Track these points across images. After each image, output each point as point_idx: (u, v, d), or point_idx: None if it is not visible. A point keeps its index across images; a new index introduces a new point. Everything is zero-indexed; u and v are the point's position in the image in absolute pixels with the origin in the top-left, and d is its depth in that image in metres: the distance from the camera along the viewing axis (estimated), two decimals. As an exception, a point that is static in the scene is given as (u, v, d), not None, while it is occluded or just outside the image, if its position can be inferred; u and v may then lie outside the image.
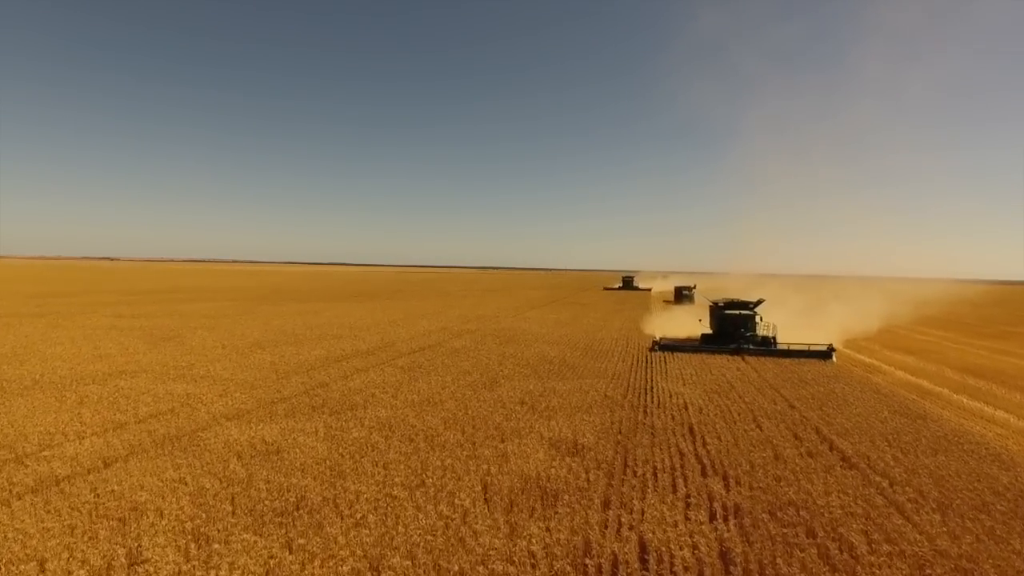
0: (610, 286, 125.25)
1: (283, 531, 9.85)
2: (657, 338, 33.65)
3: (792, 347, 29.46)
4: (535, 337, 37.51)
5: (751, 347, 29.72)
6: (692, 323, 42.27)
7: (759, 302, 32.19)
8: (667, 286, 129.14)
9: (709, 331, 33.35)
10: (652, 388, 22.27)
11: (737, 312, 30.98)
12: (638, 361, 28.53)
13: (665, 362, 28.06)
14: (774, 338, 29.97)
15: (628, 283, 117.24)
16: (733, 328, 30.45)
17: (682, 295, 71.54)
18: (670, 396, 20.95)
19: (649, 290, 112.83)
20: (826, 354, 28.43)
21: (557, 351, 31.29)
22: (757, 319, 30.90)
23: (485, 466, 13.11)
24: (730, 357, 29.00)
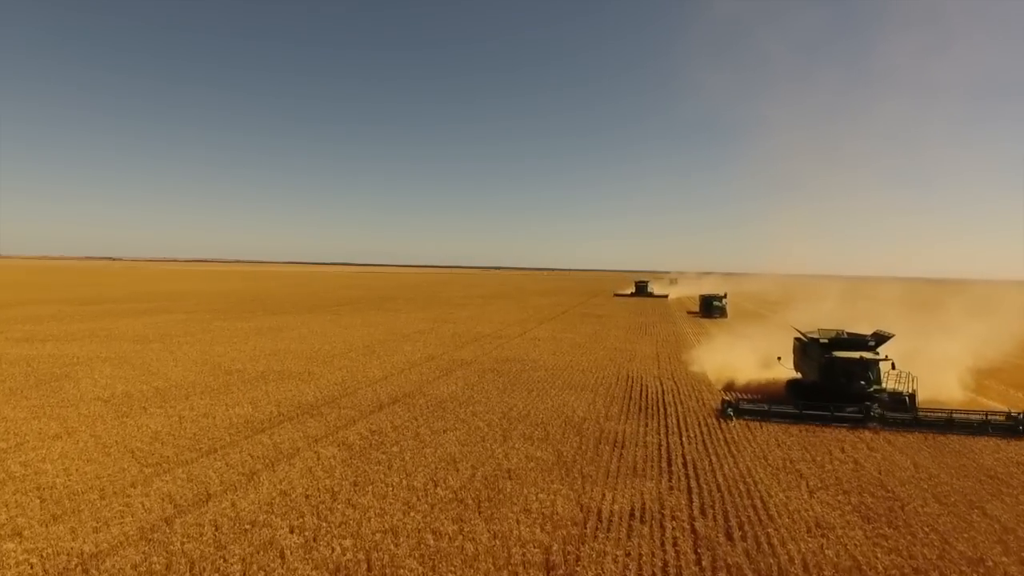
0: (621, 292, 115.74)
1: None
2: (727, 397, 22.30)
3: (957, 415, 18.93)
4: (550, 373, 28.31)
5: (881, 413, 19.12)
6: (743, 353, 33.01)
7: (881, 338, 21.43)
8: (685, 291, 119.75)
9: (797, 376, 23.81)
10: (765, 505, 13.01)
11: (856, 356, 20.60)
12: (709, 430, 19.21)
13: (751, 435, 18.67)
14: (912, 396, 19.94)
15: (642, 289, 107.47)
16: (847, 379, 20.31)
17: (712, 307, 61.68)
18: (808, 530, 11.71)
19: (666, 297, 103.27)
20: (1014, 428, 18.39)
21: (585, 404, 22.09)
22: (884, 365, 20.75)
23: None
24: (845, 427, 18.93)
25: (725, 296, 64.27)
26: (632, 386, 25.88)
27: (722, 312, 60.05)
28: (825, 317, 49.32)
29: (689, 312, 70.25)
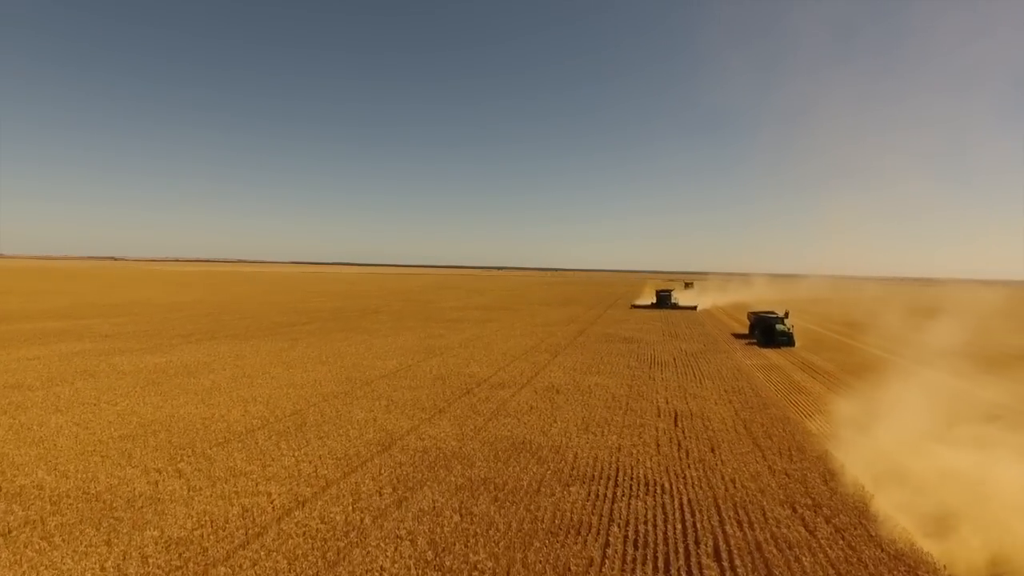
0: (640, 302, 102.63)
1: None
2: None
3: None
4: (591, 494, 15.66)
5: None
6: (915, 444, 20.50)
7: None
8: (710, 299, 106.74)
9: None
10: None
11: None
12: None
13: None
14: None
15: (664, 300, 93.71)
16: None
17: (774, 332, 47.79)
18: None
19: (694, 308, 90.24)
20: None
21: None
22: None
23: None
24: None
25: (787, 316, 51.21)
26: (766, 557, 13.09)
27: (789, 340, 46.88)
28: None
29: (735, 335, 57.27)
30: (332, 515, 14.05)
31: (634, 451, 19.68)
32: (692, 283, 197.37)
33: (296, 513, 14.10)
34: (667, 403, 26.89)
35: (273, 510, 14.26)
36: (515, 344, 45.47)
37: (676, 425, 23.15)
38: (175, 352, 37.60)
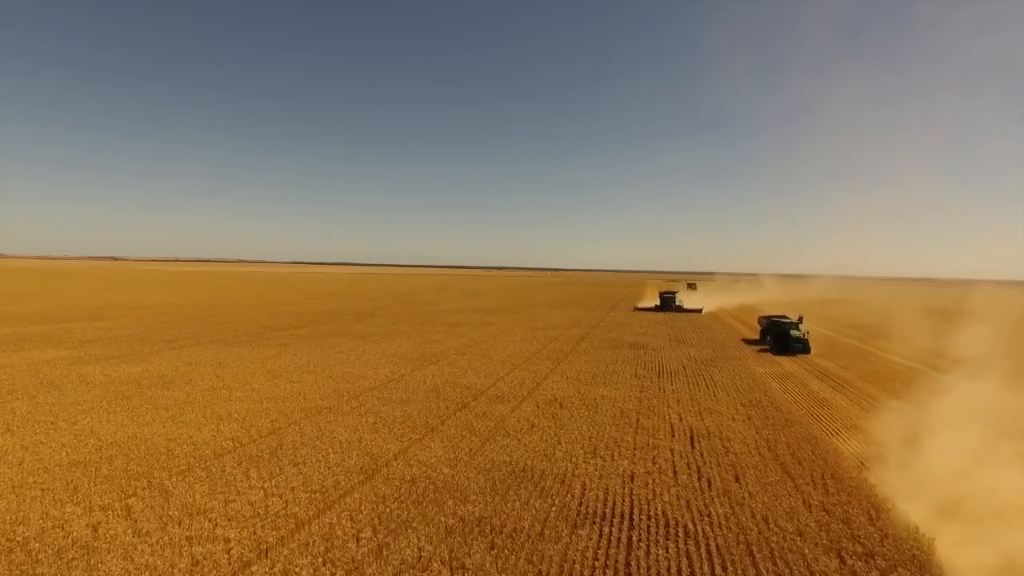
0: (643, 305, 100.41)
1: None
2: None
3: None
4: (600, 532, 13.48)
5: None
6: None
7: None
8: (715, 301, 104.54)
9: None
10: None
11: None
12: None
13: None
14: None
15: (668, 302, 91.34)
16: None
17: (788, 338, 45.11)
18: None
19: (699, 311, 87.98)
20: None
21: None
22: None
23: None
24: None
25: (801, 321, 48.88)
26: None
27: (804, 347, 44.54)
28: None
29: (744, 340, 54.97)
30: (297, 570, 11.83)
31: (649, 480, 17.46)
32: (695, 284, 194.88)
33: (254, 568, 11.89)
34: (681, 419, 24.65)
35: (228, 563, 12.05)
36: (515, 350, 43.24)
37: (693, 447, 20.91)
38: (154, 360, 35.38)
